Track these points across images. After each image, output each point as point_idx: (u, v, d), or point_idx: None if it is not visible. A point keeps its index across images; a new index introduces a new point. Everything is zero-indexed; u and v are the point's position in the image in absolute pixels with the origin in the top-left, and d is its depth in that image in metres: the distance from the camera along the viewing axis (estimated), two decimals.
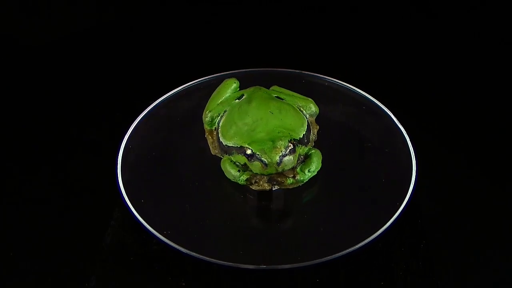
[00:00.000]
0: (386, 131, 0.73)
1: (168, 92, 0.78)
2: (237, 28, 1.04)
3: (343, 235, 0.62)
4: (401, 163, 0.69)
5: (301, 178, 0.65)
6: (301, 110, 0.71)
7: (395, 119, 0.74)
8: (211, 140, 0.71)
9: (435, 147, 0.79)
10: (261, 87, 0.73)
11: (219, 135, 0.69)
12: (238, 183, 0.66)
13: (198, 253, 0.59)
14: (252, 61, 0.88)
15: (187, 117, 0.75)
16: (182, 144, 0.73)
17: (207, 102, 0.74)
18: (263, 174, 0.64)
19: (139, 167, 0.69)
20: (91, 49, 0.98)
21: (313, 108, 0.73)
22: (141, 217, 0.62)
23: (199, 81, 0.80)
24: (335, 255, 0.59)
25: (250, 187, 0.66)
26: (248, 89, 0.73)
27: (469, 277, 0.63)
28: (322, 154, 0.67)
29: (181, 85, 0.80)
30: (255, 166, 0.63)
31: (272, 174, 0.64)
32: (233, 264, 0.58)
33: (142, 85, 0.89)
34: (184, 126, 0.75)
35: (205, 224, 0.64)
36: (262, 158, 0.62)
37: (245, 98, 0.71)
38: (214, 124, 0.71)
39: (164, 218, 0.63)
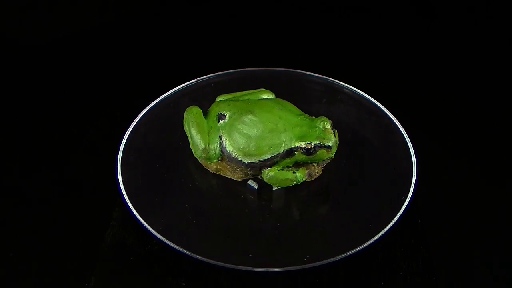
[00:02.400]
0: (386, 131, 0.73)
1: (168, 91, 0.78)
2: (237, 27, 1.04)
3: (344, 236, 0.62)
4: (401, 163, 0.69)
5: (335, 148, 0.67)
6: None
7: (395, 119, 0.74)
8: (225, 170, 0.69)
9: (435, 147, 0.79)
10: (215, 102, 0.72)
11: (240, 158, 0.67)
12: (295, 182, 0.67)
13: (198, 253, 0.59)
14: (253, 61, 0.88)
15: None
16: (182, 144, 0.73)
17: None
18: (318, 161, 0.66)
19: (139, 167, 0.69)
20: (91, 49, 0.97)
21: (271, 95, 0.74)
22: (141, 217, 0.62)
23: (199, 80, 0.80)
24: (336, 257, 0.59)
25: (306, 180, 0.67)
26: (215, 107, 0.71)
27: (469, 277, 0.63)
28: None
29: (181, 85, 0.80)
30: (320, 155, 0.65)
31: (330, 157, 0.66)
32: (233, 266, 0.58)
33: (142, 85, 0.89)
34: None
35: (205, 224, 0.64)
36: (325, 143, 0.65)
37: (236, 113, 0.69)
38: (218, 155, 0.69)
39: (164, 218, 0.63)
